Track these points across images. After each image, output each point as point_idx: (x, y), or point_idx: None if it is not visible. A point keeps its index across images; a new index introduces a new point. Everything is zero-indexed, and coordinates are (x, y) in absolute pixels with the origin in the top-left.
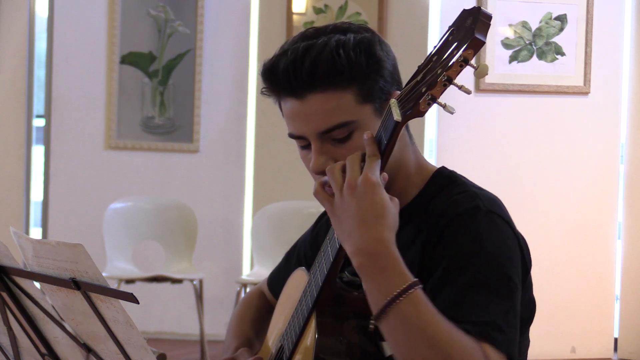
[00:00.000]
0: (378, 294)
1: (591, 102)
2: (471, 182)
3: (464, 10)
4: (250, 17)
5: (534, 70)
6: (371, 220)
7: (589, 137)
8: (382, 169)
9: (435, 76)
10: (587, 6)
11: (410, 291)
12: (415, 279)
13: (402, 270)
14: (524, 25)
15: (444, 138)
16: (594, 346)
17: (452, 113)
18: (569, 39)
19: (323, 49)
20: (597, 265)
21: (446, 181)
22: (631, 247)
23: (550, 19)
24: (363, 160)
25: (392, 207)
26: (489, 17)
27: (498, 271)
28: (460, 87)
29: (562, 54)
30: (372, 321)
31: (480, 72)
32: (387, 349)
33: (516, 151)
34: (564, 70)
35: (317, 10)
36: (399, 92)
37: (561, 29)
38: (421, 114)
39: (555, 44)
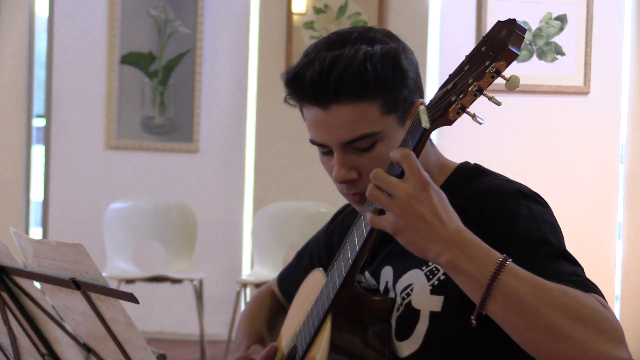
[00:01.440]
0: (477, 279)
1: (591, 102)
2: (497, 172)
3: (499, 22)
4: (250, 17)
5: (534, 70)
6: (444, 215)
7: (589, 137)
8: None
9: (466, 85)
10: (587, 6)
11: (506, 264)
12: (504, 255)
13: (489, 249)
14: (524, 25)
15: (444, 138)
16: None
17: (480, 124)
18: (569, 39)
19: (351, 62)
20: (597, 265)
21: (474, 172)
22: (631, 247)
23: (550, 19)
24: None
25: (443, 193)
26: (523, 30)
27: (561, 242)
28: (490, 98)
29: (562, 54)
30: (472, 317)
31: (512, 84)
32: (404, 350)
33: (516, 151)
34: (564, 70)
35: (317, 10)
36: (421, 100)
37: (561, 29)
38: (450, 122)
39: (555, 44)
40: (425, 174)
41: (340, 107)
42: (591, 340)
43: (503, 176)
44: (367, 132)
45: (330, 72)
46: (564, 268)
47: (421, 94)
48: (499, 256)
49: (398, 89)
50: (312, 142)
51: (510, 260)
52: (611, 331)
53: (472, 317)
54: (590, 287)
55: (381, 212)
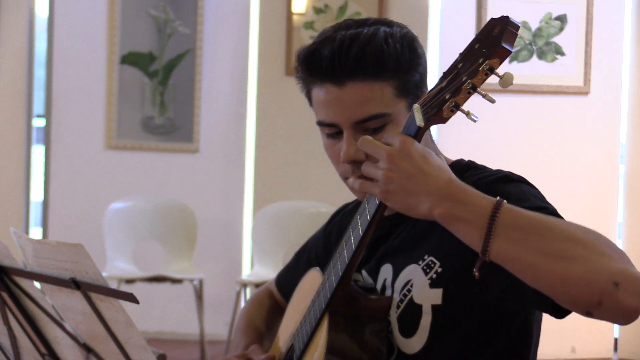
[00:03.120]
0: (476, 223)
1: (591, 102)
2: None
3: (492, 19)
4: (250, 17)
5: (534, 70)
6: (430, 169)
7: (589, 137)
8: None
9: (460, 83)
10: (587, 6)
11: (502, 204)
12: (498, 197)
13: (483, 194)
14: (524, 25)
15: (444, 138)
16: (594, 346)
17: (475, 121)
18: (569, 39)
19: (372, 38)
20: None
21: (466, 167)
22: (631, 247)
23: (550, 19)
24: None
25: (431, 151)
26: (516, 27)
27: (554, 212)
28: (485, 96)
29: (562, 54)
30: (475, 269)
31: (505, 82)
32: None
33: (516, 151)
34: (564, 70)
35: (317, 10)
36: (428, 91)
37: (561, 29)
38: (444, 120)
39: (555, 44)
40: (405, 135)
41: (355, 84)
42: (602, 258)
43: (493, 169)
44: (379, 112)
45: (351, 47)
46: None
47: (427, 87)
48: (493, 198)
49: (412, 72)
50: (320, 123)
51: (505, 201)
52: (619, 252)
53: (474, 269)
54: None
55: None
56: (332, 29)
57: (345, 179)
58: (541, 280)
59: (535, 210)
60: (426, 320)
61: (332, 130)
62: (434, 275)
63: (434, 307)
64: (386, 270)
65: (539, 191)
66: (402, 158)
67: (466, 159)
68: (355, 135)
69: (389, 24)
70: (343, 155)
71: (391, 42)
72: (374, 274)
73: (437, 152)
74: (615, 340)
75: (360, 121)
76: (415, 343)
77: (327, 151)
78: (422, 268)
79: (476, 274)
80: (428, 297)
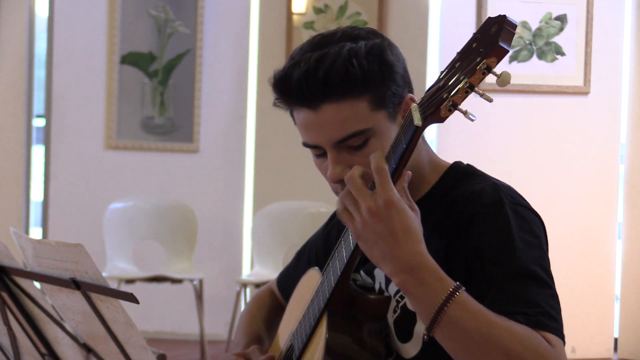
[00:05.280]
0: (426, 305)
1: (591, 102)
2: (487, 174)
3: (489, 18)
4: (250, 17)
5: (534, 70)
6: (401, 237)
7: (589, 137)
8: (400, 173)
9: (457, 82)
10: (587, 6)
11: (456, 295)
12: (457, 283)
13: (442, 276)
14: (524, 25)
15: (444, 138)
16: (594, 346)
17: (472, 120)
18: (569, 39)
19: (336, 58)
20: (597, 265)
21: (463, 173)
22: (631, 247)
23: (550, 19)
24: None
25: (415, 217)
26: (514, 26)
27: (534, 261)
28: (482, 95)
29: (562, 54)
30: (424, 333)
31: (503, 80)
32: (410, 351)
33: (516, 151)
34: (564, 70)
35: (317, 10)
36: (411, 95)
37: (561, 29)
38: (442, 119)
39: (555, 44)
40: (395, 193)
41: (329, 105)
42: None
43: (492, 179)
44: (358, 129)
45: (317, 71)
46: (525, 293)
47: (410, 89)
48: (451, 285)
49: (386, 83)
50: (305, 144)
51: (462, 290)
52: None
53: (424, 333)
54: (544, 324)
55: None
56: (299, 51)
57: (337, 193)
58: None
59: (508, 263)
60: (420, 327)
61: (318, 152)
62: None
63: None
64: (379, 274)
65: (527, 225)
66: (380, 219)
67: (464, 162)
68: (339, 155)
69: (355, 37)
70: (329, 177)
71: (355, 61)
72: (371, 275)
73: (430, 153)
74: (615, 340)
75: (340, 141)
76: (411, 348)
77: (318, 169)
78: None
79: (425, 338)
80: None
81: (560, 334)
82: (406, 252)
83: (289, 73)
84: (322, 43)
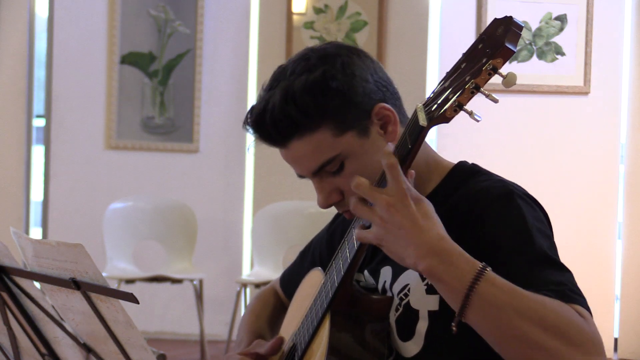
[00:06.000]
0: (455, 287)
1: (591, 102)
2: (493, 172)
3: (495, 19)
4: (250, 17)
5: (534, 70)
6: (423, 223)
7: (589, 137)
8: (405, 173)
9: (463, 83)
10: (587, 6)
11: (484, 273)
12: (483, 263)
13: (468, 257)
14: (524, 25)
15: (444, 138)
16: None
17: (478, 121)
18: (569, 39)
19: (274, 107)
20: (597, 265)
21: (470, 172)
22: (631, 247)
23: (550, 19)
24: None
25: (428, 202)
26: (520, 27)
27: (550, 246)
28: (487, 95)
29: (562, 54)
30: (453, 324)
31: (509, 81)
32: (411, 350)
33: (516, 151)
34: (564, 70)
35: (317, 10)
36: (382, 104)
37: (561, 29)
38: (447, 120)
39: (555, 44)
40: (407, 184)
41: (294, 143)
42: (566, 352)
43: (497, 176)
44: (328, 158)
45: (264, 122)
46: (548, 276)
47: (383, 96)
48: (478, 265)
49: (340, 110)
50: (296, 174)
51: (489, 268)
52: (588, 343)
53: (452, 324)
54: (572, 298)
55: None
56: (262, 87)
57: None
58: (506, 356)
59: (527, 250)
60: (422, 325)
61: (306, 178)
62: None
63: (431, 313)
64: (386, 273)
65: (539, 215)
66: (398, 210)
67: (470, 161)
68: (322, 181)
69: (302, 70)
70: (319, 204)
71: (292, 104)
72: (376, 275)
73: (433, 153)
74: (615, 340)
75: (316, 171)
76: (411, 347)
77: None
78: (420, 273)
79: (454, 329)
80: (425, 302)
81: (588, 308)
82: (430, 236)
83: (252, 120)
84: (276, 80)
